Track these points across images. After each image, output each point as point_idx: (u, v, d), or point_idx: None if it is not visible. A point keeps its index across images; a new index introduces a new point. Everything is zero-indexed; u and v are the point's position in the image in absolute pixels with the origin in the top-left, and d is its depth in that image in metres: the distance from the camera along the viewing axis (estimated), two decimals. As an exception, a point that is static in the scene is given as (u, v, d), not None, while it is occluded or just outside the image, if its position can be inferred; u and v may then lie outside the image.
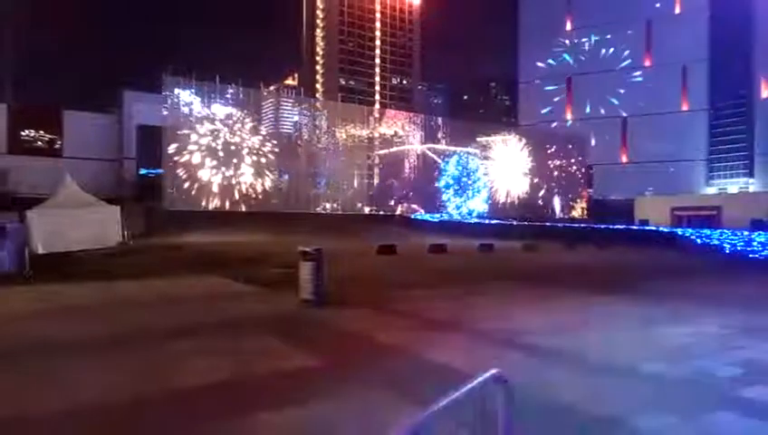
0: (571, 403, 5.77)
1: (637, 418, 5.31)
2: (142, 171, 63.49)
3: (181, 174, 48.33)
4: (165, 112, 49.24)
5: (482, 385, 2.21)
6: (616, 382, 6.64)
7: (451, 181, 60.17)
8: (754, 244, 28.62)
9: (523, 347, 8.36)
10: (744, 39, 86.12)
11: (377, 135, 62.60)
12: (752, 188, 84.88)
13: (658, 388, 6.37)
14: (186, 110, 50.05)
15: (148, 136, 57.76)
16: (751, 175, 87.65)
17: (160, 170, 51.65)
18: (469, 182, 60.93)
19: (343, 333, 9.54)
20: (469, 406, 2.08)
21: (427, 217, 59.72)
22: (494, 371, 2.35)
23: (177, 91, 49.52)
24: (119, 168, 61.72)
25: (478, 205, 61.86)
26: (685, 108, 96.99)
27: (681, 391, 6.23)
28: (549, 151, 76.28)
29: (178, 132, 48.79)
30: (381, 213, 60.15)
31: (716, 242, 31.17)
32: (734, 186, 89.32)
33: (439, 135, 67.75)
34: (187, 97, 50.04)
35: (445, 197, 60.15)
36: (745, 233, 31.91)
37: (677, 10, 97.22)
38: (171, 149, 48.22)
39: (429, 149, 66.20)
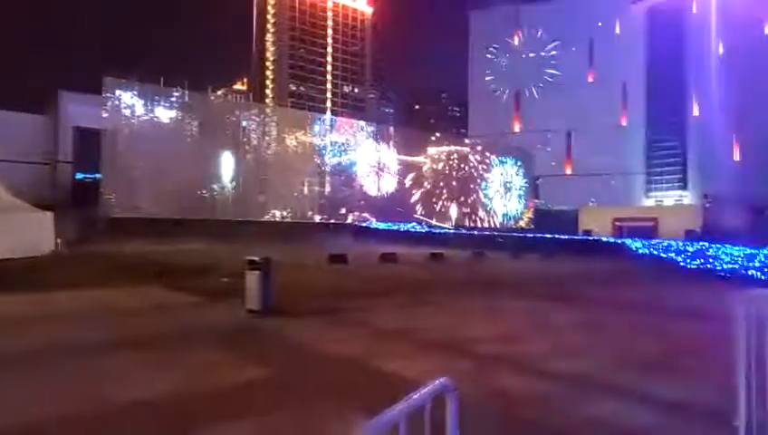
0: (523, 411, 5.74)
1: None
2: (79, 176, 60.49)
3: (121, 179, 46.29)
4: (105, 115, 47.14)
5: (430, 393, 2.11)
6: (562, 388, 6.68)
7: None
8: (687, 253, 30.08)
9: (472, 355, 8.36)
10: (678, 59, 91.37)
11: (328, 143, 62.28)
12: (686, 201, 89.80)
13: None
14: (127, 112, 48.10)
15: (86, 139, 55.10)
16: (685, 188, 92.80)
17: (98, 175, 49.33)
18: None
19: (291, 343, 9.29)
20: (418, 414, 1.99)
21: (379, 225, 59.82)
22: (442, 379, 2.26)
23: (118, 92, 47.54)
24: (52, 172, 58.55)
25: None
26: (624, 123, 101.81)
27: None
28: (497, 162, 78.10)
29: (119, 135, 46.82)
30: (332, 221, 59.77)
31: (654, 251, 32.60)
32: (669, 198, 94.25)
33: (391, 144, 68.18)
34: (128, 99, 48.13)
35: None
36: (680, 243, 33.53)
37: (617, 30, 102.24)
38: (111, 152, 46.20)
39: (380, 157, 66.47)
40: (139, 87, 48.63)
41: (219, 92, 76.03)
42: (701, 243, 31.61)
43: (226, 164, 53.02)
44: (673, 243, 33.75)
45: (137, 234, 36.47)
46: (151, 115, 49.28)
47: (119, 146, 46.58)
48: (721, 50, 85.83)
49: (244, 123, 55.51)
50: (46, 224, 25.18)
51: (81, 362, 7.67)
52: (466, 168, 74.56)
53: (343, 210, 62.21)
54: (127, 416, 5.60)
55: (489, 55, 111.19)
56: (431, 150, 71.76)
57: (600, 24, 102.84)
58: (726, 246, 28.41)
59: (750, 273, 23.69)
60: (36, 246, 23.63)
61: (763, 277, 22.61)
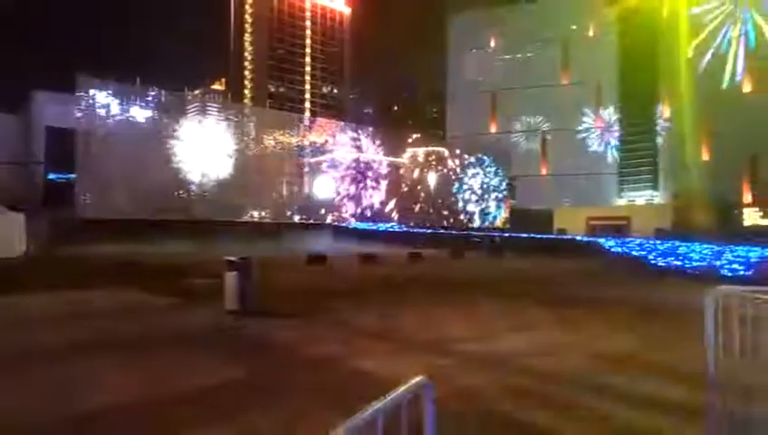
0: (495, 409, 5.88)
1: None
2: (51, 176, 59.14)
3: (95, 179, 45.30)
4: (78, 114, 46.06)
5: (408, 392, 2.17)
6: (532, 383, 6.86)
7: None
8: (658, 251, 30.86)
9: (450, 354, 8.48)
10: (649, 61, 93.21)
11: (307, 143, 61.97)
12: (656, 201, 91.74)
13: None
14: (102, 112, 47.06)
15: (59, 139, 53.90)
16: (655, 188, 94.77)
17: (72, 175, 48.21)
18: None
19: (271, 344, 9.28)
20: (396, 413, 2.07)
21: (358, 226, 59.82)
22: (419, 377, 2.33)
23: (92, 91, 46.49)
24: (24, 172, 57.08)
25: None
26: (598, 124, 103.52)
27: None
28: (473, 163, 78.72)
29: (93, 135, 45.79)
30: (312, 222, 59.54)
31: (626, 250, 33.33)
32: (641, 198, 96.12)
33: (369, 145, 68.17)
34: (103, 99, 47.08)
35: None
36: (651, 242, 34.35)
37: (591, 33, 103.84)
38: (85, 152, 45.20)
39: (359, 158, 66.44)
40: (113, 86, 47.65)
41: (196, 92, 75.02)
42: (672, 241, 32.42)
43: (204, 165, 52.31)
44: (645, 242, 34.56)
45: (112, 235, 35.82)
46: (126, 115, 48.28)
47: (92, 146, 45.57)
48: (690, 53, 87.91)
49: (221, 124, 54.82)
50: (17, 225, 24.61)
51: (52, 367, 7.50)
52: (444, 168, 74.99)
53: (322, 211, 62.01)
54: (102, 421, 5.49)
55: (466, 57, 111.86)
56: (409, 151, 71.96)
57: (574, 26, 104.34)
58: (695, 243, 29.22)
59: (719, 269, 24.40)
60: (6, 248, 23.08)
61: (730, 274, 23.32)
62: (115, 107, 47.71)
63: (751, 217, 65.66)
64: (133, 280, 17.59)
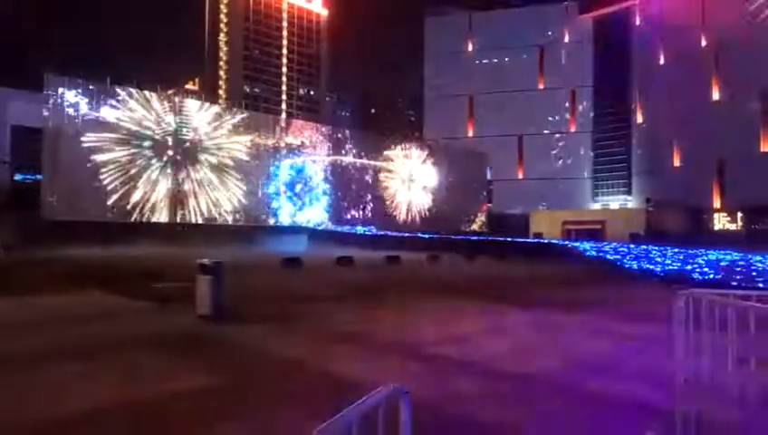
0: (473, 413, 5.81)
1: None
2: (17, 177, 57.57)
3: (64, 180, 44.14)
4: (46, 113, 44.84)
5: (383, 397, 2.12)
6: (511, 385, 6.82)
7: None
8: (632, 255, 31.40)
9: (426, 358, 8.41)
10: (623, 68, 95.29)
11: (282, 145, 61.44)
12: (630, 205, 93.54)
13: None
14: (71, 111, 45.85)
15: (26, 138, 52.46)
16: (629, 193, 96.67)
17: (39, 176, 46.90)
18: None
19: (245, 349, 9.12)
20: (370, 419, 2.00)
21: (336, 228, 59.53)
22: (395, 384, 2.25)
23: (60, 90, 45.29)
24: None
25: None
26: (573, 129, 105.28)
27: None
28: (450, 166, 79.12)
29: (61, 135, 44.61)
30: (287, 224, 59.08)
31: (601, 254, 33.81)
32: (615, 202, 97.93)
33: (347, 147, 67.97)
34: (72, 97, 45.89)
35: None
36: (625, 246, 34.93)
37: (566, 39, 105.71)
38: (53, 152, 44.02)
39: (336, 160, 66.24)
40: (83, 85, 46.50)
41: (170, 92, 73.80)
42: (645, 245, 33.00)
43: (176, 166, 51.40)
44: (619, 246, 35.11)
45: (82, 238, 35.00)
46: (96, 115, 47.13)
47: (61, 146, 44.41)
48: (662, 60, 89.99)
49: (194, 124, 53.91)
50: (-19, 228, 23.79)
51: (19, 373, 7.29)
52: (421, 171, 75.22)
53: (299, 213, 61.56)
54: (72, 429, 5.35)
55: (443, 61, 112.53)
56: (386, 154, 72.03)
57: (549, 33, 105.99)
58: (668, 248, 29.80)
59: (689, 273, 24.91)
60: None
61: (701, 277, 23.83)
62: (84, 106, 46.56)
63: (720, 221, 67.53)
64: (102, 284, 17.13)
